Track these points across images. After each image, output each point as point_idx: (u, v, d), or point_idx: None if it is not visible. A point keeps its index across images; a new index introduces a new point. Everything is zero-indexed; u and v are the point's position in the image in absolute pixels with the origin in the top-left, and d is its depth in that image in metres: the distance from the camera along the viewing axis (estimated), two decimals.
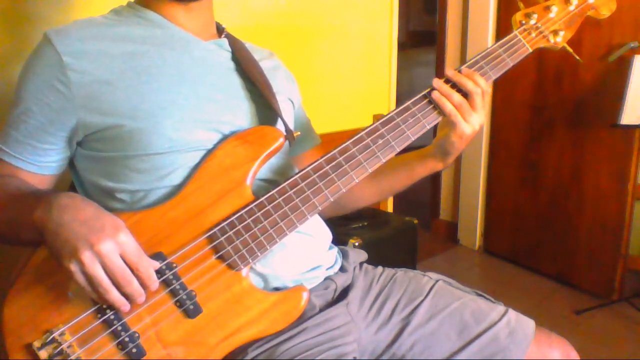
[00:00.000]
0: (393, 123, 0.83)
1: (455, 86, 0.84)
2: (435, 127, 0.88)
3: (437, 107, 0.84)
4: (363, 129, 0.82)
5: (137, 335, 0.69)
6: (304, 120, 1.07)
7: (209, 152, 0.79)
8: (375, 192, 1.00)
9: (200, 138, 0.79)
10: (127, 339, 0.68)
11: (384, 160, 0.82)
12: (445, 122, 0.85)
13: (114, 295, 0.63)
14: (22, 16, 1.21)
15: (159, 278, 0.70)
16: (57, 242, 0.62)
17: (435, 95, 0.83)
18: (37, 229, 0.65)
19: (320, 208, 0.78)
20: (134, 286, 0.64)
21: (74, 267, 0.61)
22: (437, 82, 0.84)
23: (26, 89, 0.77)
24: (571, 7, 0.95)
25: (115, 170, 0.78)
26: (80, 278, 0.62)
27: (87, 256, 0.61)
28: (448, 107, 0.83)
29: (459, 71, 0.85)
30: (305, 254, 0.85)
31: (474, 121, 0.84)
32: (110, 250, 0.62)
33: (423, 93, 0.85)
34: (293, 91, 1.01)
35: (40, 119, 0.77)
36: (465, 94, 0.83)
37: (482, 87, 0.83)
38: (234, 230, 0.75)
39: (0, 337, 0.67)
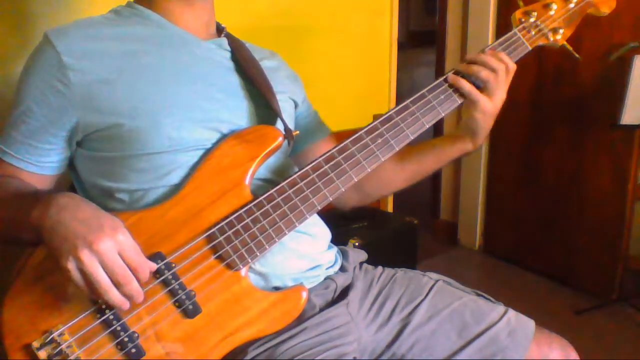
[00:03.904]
0: (392, 122, 0.83)
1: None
2: (434, 127, 0.89)
3: (455, 92, 0.87)
4: (362, 128, 0.82)
5: (136, 335, 0.69)
6: (311, 112, 1.07)
7: (208, 152, 0.79)
8: (403, 177, 1.01)
9: (199, 137, 0.79)
10: (126, 339, 0.68)
11: (383, 160, 0.82)
12: (468, 103, 0.88)
13: (114, 294, 0.63)
14: (23, 16, 1.21)
15: (158, 278, 0.70)
16: (55, 240, 0.62)
17: (455, 78, 0.86)
18: (35, 229, 0.64)
19: (319, 207, 0.78)
20: (134, 285, 0.64)
21: (71, 266, 0.61)
22: (462, 67, 0.87)
23: (26, 90, 0.77)
24: (571, 5, 0.95)
25: (114, 170, 0.78)
26: (77, 277, 0.61)
27: (85, 254, 0.60)
28: (466, 86, 0.86)
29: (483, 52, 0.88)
30: (304, 253, 0.85)
31: (496, 97, 0.87)
32: (109, 249, 0.62)
33: (422, 92, 0.85)
34: (295, 90, 1.01)
35: (40, 119, 0.77)
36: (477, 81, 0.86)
37: (506, 63, 0.86)
38: (232, 230, 0.74)
39: None
